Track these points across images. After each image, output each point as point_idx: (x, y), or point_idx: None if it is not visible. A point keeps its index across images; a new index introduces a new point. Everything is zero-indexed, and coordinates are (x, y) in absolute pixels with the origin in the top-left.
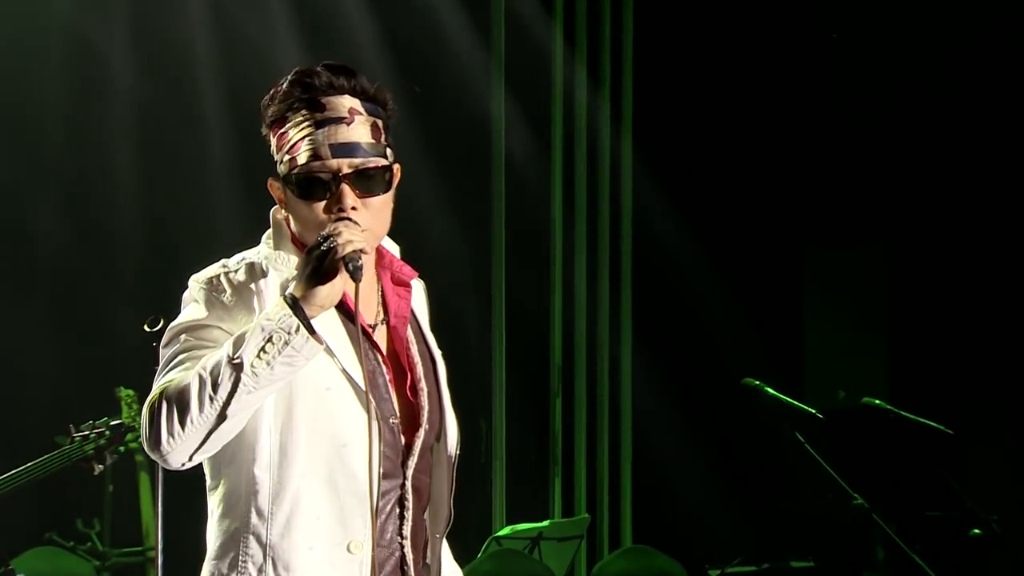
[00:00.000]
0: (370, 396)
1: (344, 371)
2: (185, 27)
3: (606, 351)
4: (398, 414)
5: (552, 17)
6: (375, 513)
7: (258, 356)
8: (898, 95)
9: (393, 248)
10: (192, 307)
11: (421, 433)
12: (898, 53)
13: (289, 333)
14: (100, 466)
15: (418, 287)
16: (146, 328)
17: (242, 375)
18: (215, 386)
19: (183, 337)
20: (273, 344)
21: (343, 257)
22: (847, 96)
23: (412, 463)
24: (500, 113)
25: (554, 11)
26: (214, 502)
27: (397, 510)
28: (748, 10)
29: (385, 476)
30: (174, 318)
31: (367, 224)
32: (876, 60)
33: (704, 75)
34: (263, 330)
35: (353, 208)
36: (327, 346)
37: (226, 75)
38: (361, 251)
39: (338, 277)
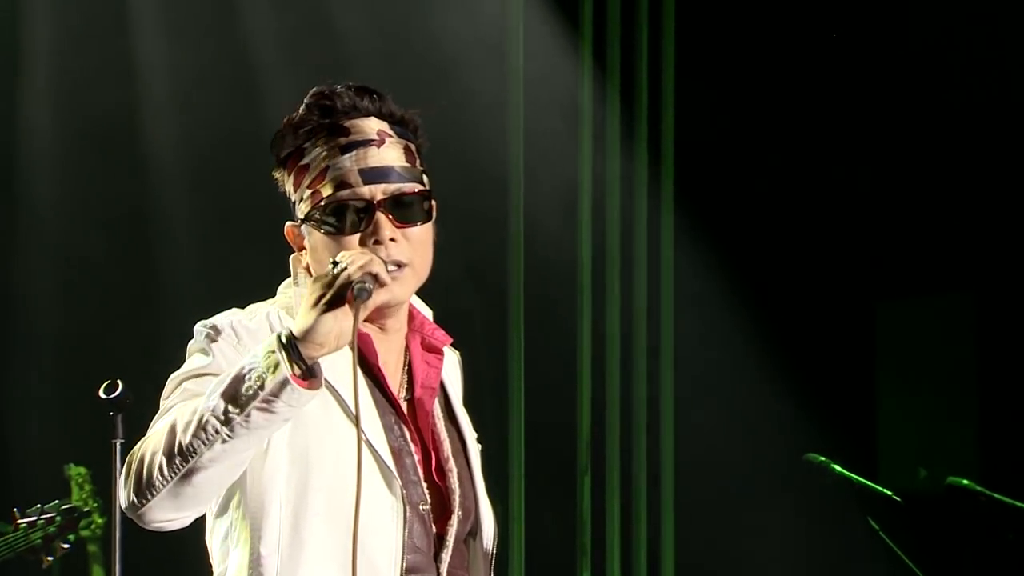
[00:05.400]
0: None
1: (368, 443)
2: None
3: (643, 423)
4: (428, 499)
5: (580, 52)
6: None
7: (232, 401)
8: (986, 117)
9: (426, 311)
10: (197, 356)
11: (454, 521)
12: (985, 75)
13: (266, 374)
14: (49, 558)
15: (451, 358)
16: (102, 395)
17: (214, 422)
18: (185, 433)
19: (184, 386)
20: (249, 387)
21: (351, 282)
22: (923, 117)
23: (446, 556)
24: (519, 164)
25: (582, 41)
26: None
27: None
28: (813, 24)
29: (412, 571)
30: (142, 381)
31: (407, 258)
32: (959, 81)
33: (753, 96)
34: (241, 370)
35: (392, 240)
36: (352, 416)
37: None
38: (376, 277)
39: (347, 310)
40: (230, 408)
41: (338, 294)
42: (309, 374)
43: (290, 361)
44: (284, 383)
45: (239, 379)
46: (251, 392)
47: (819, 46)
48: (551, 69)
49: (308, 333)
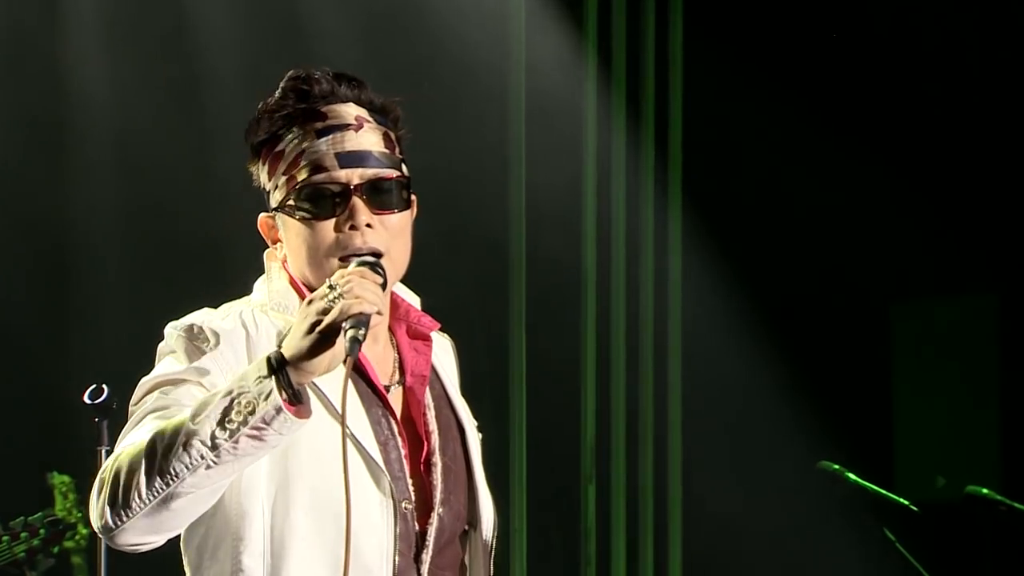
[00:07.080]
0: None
1: (353, 436)
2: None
3: (650, 429)
4: (412, 496)
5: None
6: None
7: (220, 425)
8: (1007, 116)
9: (413, 299)
10: (168, 360)
11: (434, 519)
12: (1006, 75)
13: (257, 400)
14: (33, 572)
15: (444, 343)
16: (86, 400)
17: (200, 447)
18: (167, 456)
19: (155, 394)
20: (239, 412)
21: (347, 317)
22: (941, 116)
23: (427, 557)
24: (521, 160)
25: (586, 37)
26: None
27: None
28: (824, 22)
29: (398, 573)
30: (125, 385)
31: (384, 246)
32: (979, 81)
33: (765, 94)
34: (230, 393)
35: (368, 226)
36: (334, 410)
37: None
38: (377, 313)
39: (340, 337)
40: (218, 433)
41: (333, 326)
42: (297, 399)
43: (280, 387)
44: (277, 411)
45: (228, 404)
46: (241, 419)
47: (833, 43)
48: (554, 63)
49: (300, 361)
